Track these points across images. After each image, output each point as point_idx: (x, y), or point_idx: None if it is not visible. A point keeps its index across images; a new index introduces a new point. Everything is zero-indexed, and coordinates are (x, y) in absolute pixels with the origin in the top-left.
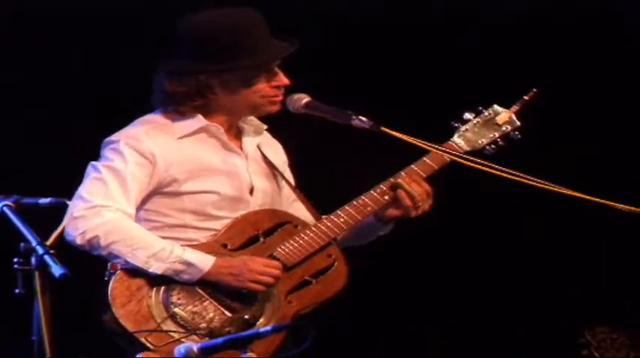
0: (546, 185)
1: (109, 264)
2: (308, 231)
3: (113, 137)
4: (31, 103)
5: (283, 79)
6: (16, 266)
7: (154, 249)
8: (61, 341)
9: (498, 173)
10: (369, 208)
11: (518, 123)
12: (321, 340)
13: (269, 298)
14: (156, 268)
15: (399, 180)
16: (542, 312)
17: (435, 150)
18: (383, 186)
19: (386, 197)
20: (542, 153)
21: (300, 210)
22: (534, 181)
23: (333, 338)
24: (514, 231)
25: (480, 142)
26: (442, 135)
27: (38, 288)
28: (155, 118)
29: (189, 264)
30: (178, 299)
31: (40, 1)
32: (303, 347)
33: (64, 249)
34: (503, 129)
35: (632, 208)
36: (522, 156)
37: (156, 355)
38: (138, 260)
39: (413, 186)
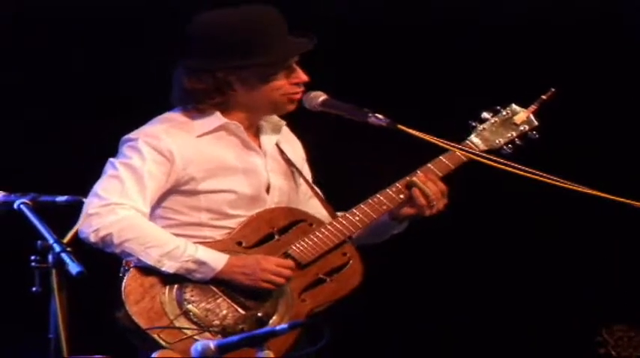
0: (562, 183)
1: (124, 261)
2: (323, 229)
3: (132, 135)
4: (47, 102)
5: (302, 76)
6: (33, 264)
7: (167, 248)
8: (78, 339)
9: (515, 171)
10: (384, 206)
11: (536, 122)
12: (336, 338)
13: (282, 296)
14: (168, 267)
15: (414, 179)
16: (558, 311)
17: (452, 147)
18: (398, 185)
19: (401, 195)
20: (555, 152)
21: (316, 207)
22: (550, 179)
23: (348, 337)
24: (529, 230)
25: (497, 142)
26: (460, 134)
27: (55, 286)
28: (174, 116)
29: (201, 263)
30: (192, 296)
31: (40, 1)
32: (319, 346)
33: (81, 247)
34: (521, 128)
35: None
36: (536, 155)
37: (172, 353)
38: (150, 258)
39: (428, 184)
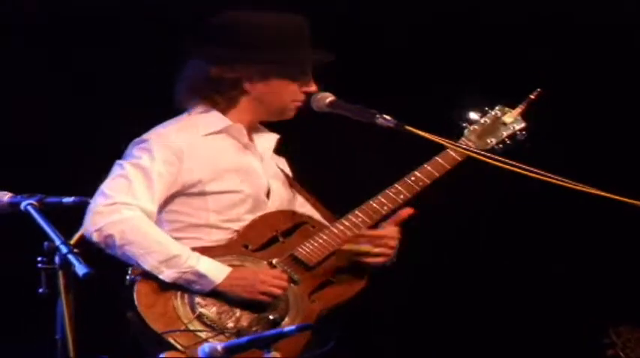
0: (569, 183)
1: (130, 269)
2: (327, 231)
3: (144, 136)
4: (55, 102)
5: (313, 86)
6: (39, 265)
7: (168, 255)
8: (85, 340)
9: (518, 170)
10: (385, 208)
11: (524, 123)
12: (343, 341)
13: (293, 298)
14: (166, 275)
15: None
16: (566, 312)
17: (458, 148)
18: (398, 186)
19: (401, 196)
20: (563, 152)
21: (313, 214)
22: (556, 179)
23: (356, 339)
24: (536, 231)
25: (489, 141)
26: (450, 134)
27: (62, 287)
28: (183, 118)
29: (201, 276)
30: (203, 299)
31: (40, 1)
32: (327, 348)
33: (88, 248)
34: (511, 128)
35: None
36: (541, 154)
37: (180, 354)
38: (148, 264)
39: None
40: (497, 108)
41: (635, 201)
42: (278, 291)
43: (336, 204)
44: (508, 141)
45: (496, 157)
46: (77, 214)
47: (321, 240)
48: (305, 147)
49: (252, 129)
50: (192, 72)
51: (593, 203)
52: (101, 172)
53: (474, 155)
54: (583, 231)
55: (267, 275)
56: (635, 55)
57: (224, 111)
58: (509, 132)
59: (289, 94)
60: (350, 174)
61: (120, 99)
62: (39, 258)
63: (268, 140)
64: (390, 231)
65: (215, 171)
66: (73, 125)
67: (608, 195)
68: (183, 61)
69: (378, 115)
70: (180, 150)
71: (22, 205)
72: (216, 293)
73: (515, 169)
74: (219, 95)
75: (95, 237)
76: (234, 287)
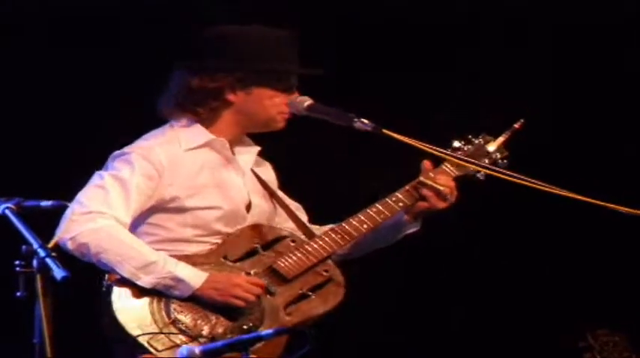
0: (548, 188)
1: (106, 276)
2: (307, 246)
3: (125, 149)
4: (33, 105)
5: (295, 96)
6: (17, 268)
7: (145, 261)
8: (63, 344)
9: (498, 175)
10: (365, 226)
11: (507, 152)
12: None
13: (268, 309)
14: (144, 281)
15: (422, 179)
16: (543, 316)
17: (438, 153)
18: (379, 205)
19: (382, 216)
20: (545, 158)
21: (294, 229)
22: (537, 184)
23: (334, 344)
24: (515, 234)
25: (472, 168)
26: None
27: (40, 291)
28: (166, 131)
29: (179, 280)
30: (180, 305)
31: (40, 1)
32: (302, 352)
33: (66, 252)
34: (493, 156)
35: (634, 211)
36: (523, 160)
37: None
38: (126, 271)
39: (437, 180)
40: (480, 136)
41: (613, 205)
42: (251, 297)
43: (319, 208)
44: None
45: (477, 163)
46: (55, 218)
47: (300, 254)
48: (291, 151)
49: (235, 143)
50: (174, 83)
51: (573, 208)
52: (79, 176)
53: (458, 161)
54: (561, 236)
55: (241, 280)
56: (636, 55)
57: (207, 123)
58: (492, 160)
59: (274, 105)
60: (333, 177)
61: (100, 101)
62: (17, 262)
63: (250, 153)
64: (450, 184)
65: (195, 187)
66: (51, 127)
67: (585, 199)
68: (167, 73)
69: (355, 119)
70: (161, 165)
71: (0, 208)
72: (193, 299)
73: (498, 175)
74: (201, 107)
75: (69, 245)
76: (209, 290)
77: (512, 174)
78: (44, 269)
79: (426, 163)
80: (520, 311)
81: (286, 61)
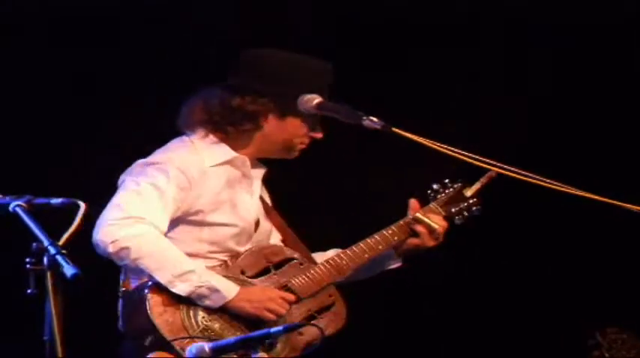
0: (558, 186)
1: (121, 282)
2: (317, 268)
3: (156, 158)
4: (33, 105)
5: (319, 134)
6: (28, 266)
7: (183, 270)
8: (73, 341)
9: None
10: (366, 255)
11: (480, 200)
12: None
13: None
14: (180, 289)
15: (418, 215)
16: (552, 313)
17: (446, 151)
18: (394, 228)
19: (395, 238)
20: (545, 158)
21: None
22: (552, 184)
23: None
24: (523, 232)
25: (452, 211)
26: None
27: (50, 288)
28: (186, 145)
29: (215, 290)
30: (209, 314)
31: (40, 1)
32: (312, 349)
33: (76, 249)
34: (470, 202)
35: None
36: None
37: (167, 355)
38: (163, 277)
39: (431, 217)
40: (459, 180)
41: (621, 203)
42: (283, 311)
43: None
44: (466, 214)
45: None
46: (65, 215)
47: (311, 276)
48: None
49: (252, 165)
50: (207, 98)
51: (579, 206)
52: (90, 173)
53: (472, 161)
54: (569, 234)
55: (275, 294)
56: (635, 55)
57: (230, 142)
58: (468, 205)
59: (299, 136)
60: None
61: (119, 99)
62: (27, 259)
63: (260, 174)
64: (443, 223)
65: (217, 203)
66: (61, 125)
67: (592, 196)
68: (191, 87)
69: (365, 117)
70: (193, 178)
71: (11, 206)
72: (222, 310)
73: (510, 174)
74: (233, 126)
75: (111, 248)
76: (243, 303)
77: (526, 174)
78: (55, 266)
79: (413, 202)
80: (529, 309)
81: (322, 94)
